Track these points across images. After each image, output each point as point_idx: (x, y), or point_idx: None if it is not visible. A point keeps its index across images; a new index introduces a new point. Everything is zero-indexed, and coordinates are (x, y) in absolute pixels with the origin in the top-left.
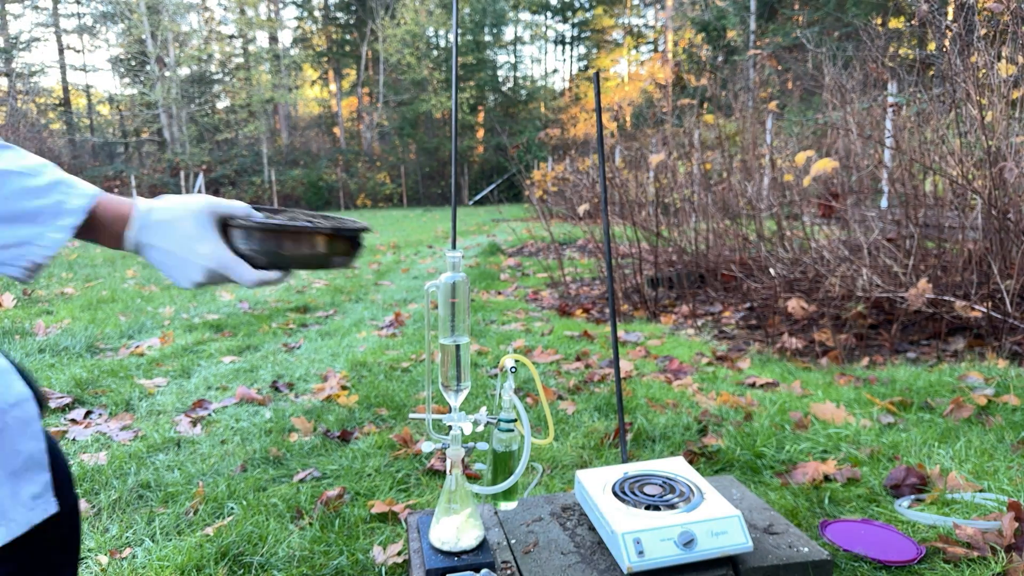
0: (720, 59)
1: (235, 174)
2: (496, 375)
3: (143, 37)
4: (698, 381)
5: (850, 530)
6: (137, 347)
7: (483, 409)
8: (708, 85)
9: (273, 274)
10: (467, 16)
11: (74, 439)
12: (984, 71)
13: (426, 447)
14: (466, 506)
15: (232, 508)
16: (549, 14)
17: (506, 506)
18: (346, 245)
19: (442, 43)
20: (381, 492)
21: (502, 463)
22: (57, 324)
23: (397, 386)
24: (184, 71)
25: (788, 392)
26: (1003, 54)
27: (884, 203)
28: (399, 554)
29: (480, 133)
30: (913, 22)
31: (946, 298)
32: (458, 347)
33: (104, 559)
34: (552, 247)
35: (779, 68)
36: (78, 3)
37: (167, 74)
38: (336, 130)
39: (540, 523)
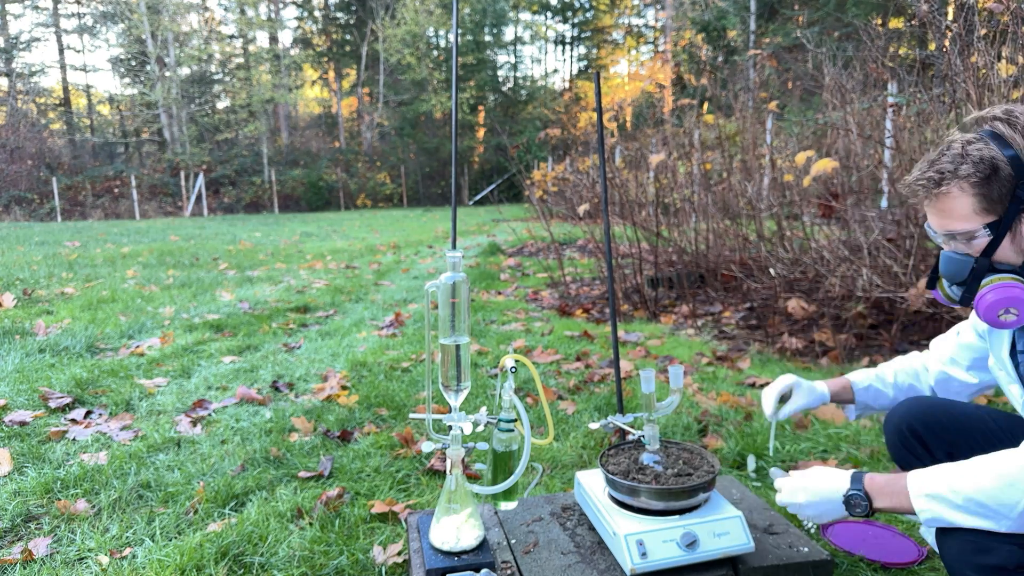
0: (720, 59)
1: (235, 174)
2: (496, 375)
3: (143, 37)
4: (698, 381)
5: (852, 531)
6: (137, 347)
7: (483, 409)
8: (708, 85)
9: None
10: (467, 16)
11: (74, 439)
12: (984, 71)
13: (426, 447)
14: (466, 506)
15: (232, 509)
16: (549, 14)
17: (506, 506)
18: None
19: (442, 43)
20: (381, 492)
21: (502, 463)
22: (57, 324)
23: (397, 386)
24: (184, 71)
25: None
26: (1003, 54)
27: (884, 203)
28: (399, 554)
29: (480, 133)
30: (913, 22)
31: None
32: (458, 347)
33: (104, 559)
34: (552, 247)
35: (779, 68)
36: (78, 3)
37: (167, 74)
38: (336, 130)
39: (540, 523)
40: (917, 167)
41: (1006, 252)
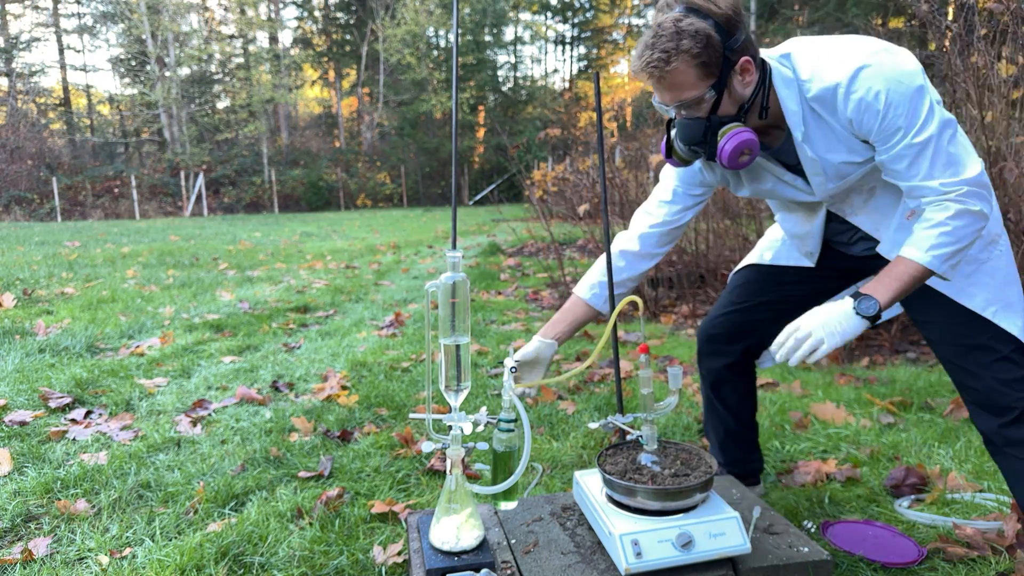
0: None
1: (235, 174)
2: (496, 375)
3: (143, 37)
4: (698, 381)
5: (852, 531)
6: (137, 347)
7: (483, 409)
8: None
9: None
10: (467, 16)
11: (74, 439)
12: (984, 71)
13: (426, 447)
14: (466, 506)
15: (232, 509)
16: (549, 14)
17: (506, 506)
18: None
19: (442, 43)
20: (381, 492)
21: (502, 463)
22: (57, 324)
23: (397, 386)
24: (184, 71)
25: (788, 392)
26: (1003, 54)
27: None
28: (399, 554)
29: (480, 133)
30: (913, 22)
31: None
32: (458, 347)
33: (104, 559)
34: (552, 247)
35: None
36: (78, 3)
37: (167, 74)
38: (336, 130)
39: (540, 523)
40: (638, 53)
41: (726, 106)
